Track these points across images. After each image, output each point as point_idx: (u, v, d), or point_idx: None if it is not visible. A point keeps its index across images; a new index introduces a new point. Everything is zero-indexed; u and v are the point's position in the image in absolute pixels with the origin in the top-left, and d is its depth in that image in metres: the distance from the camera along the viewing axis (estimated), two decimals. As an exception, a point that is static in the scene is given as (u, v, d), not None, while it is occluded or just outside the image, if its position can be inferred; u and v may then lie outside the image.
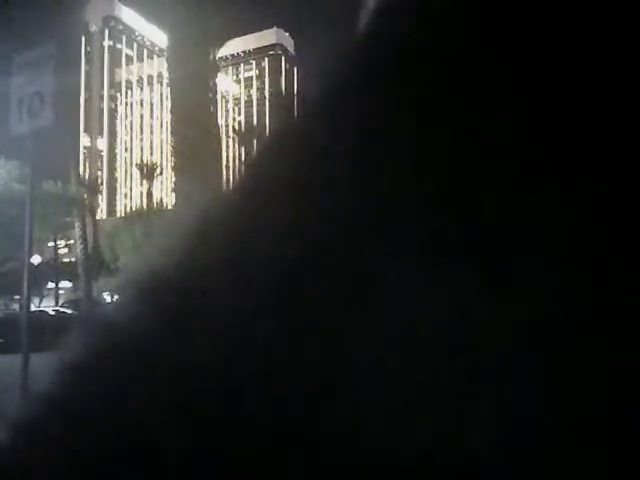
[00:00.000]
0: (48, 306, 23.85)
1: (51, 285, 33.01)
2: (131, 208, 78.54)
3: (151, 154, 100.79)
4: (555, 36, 0.14)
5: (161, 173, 76.99)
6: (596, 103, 0.13)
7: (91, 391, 0.15)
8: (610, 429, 0.12)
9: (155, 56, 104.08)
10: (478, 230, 0.13)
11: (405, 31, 0.16)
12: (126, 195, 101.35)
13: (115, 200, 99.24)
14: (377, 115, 0.15)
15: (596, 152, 0.13)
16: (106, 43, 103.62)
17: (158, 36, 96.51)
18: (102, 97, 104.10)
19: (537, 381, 0.12)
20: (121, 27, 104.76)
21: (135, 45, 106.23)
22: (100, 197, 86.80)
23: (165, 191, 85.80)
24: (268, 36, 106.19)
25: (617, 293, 0.12)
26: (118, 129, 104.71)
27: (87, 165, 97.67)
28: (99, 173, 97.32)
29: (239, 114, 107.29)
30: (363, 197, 0.14)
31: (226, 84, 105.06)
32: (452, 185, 0.14)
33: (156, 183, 78.66)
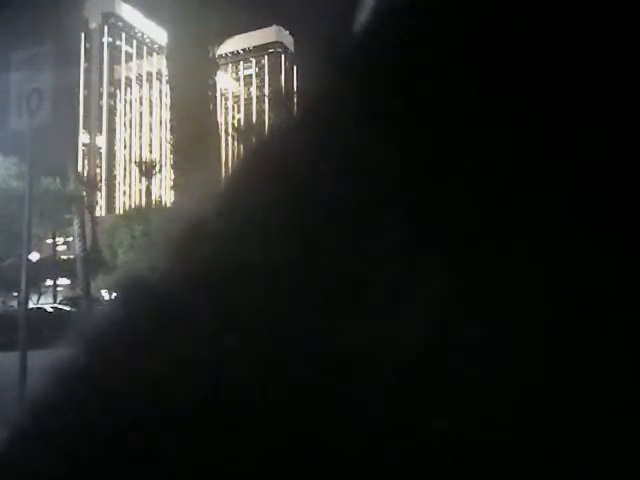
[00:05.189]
0: (46, 303, 23.84)
1: (49, 282, 32.96)
2: (130, 205, 78.41)
3: (150, 151, 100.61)
4: (558, 38, 0.14)
5: (160, 170, 76.85)
6: (601, 110, 0.13)
7: (89, 389, 0.15)
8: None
9: (155, 53, 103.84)
10: (474, 229, 0.13)
11: (405, 30, 0.16)
12: (125, 192, 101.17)
13: (114, 197, 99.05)
14: (376, 114, 0.15)
15: (593, 156, 0.13)
16: (105, 40, 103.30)
17: (158, 33, 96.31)
18: (101, 94, 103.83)
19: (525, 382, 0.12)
20: (121, 24, 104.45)
21: (135, 42, 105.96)
22: (99, 194, 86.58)
23: (164, 188, 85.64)
24: (268, 34, 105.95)
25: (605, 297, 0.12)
26: (117, 126, 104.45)
27: (86, 162, 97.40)
28: (98, 170, 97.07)
29: (238, 112, 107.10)
30: (362, 195, 0.14)
31: (225, 82, 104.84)
32: (451, 185, 0.14)
33: (155, 180, 78.47)
